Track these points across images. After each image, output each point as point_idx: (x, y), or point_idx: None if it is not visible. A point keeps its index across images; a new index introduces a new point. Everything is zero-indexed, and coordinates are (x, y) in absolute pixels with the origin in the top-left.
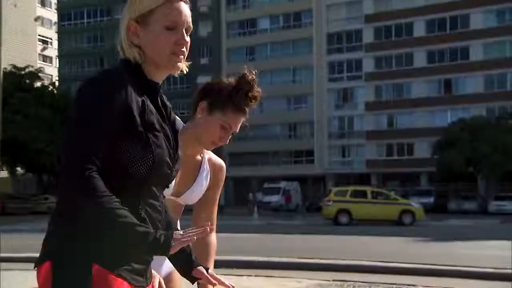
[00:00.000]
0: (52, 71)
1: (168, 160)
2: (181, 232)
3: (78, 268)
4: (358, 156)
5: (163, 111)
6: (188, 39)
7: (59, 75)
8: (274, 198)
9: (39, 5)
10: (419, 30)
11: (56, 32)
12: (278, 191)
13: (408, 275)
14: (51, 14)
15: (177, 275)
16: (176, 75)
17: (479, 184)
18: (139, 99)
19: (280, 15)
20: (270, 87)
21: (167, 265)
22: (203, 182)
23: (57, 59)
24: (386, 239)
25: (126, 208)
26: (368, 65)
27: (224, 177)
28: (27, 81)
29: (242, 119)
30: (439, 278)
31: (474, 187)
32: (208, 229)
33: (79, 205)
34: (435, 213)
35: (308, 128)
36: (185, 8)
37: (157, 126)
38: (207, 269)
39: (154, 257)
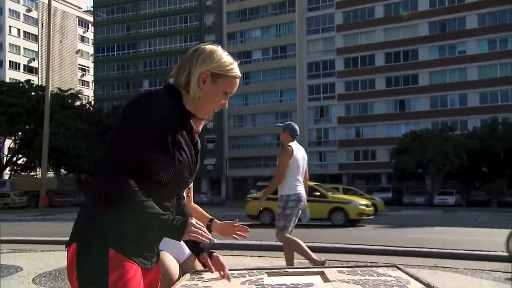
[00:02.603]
0: (89, 92)
1: (187, 174)
2: (194, 222)
3: (97, 251)
4: (332, 160)
5: (190, 134)
6: (227, 103)
7: (94, 96)
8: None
9: (79, 41)
10: (380, 60)
11: (92, 62)
12: None
13: (372, 255)
14: (89, 48)
15: (193, 259)
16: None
17: (426, 182)
18: (174, 122)
19: (270, 48)
20: (262, 105)
21: (187, 251)
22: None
23: (93, 83)
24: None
25: (151, 199)
26: (340, 88)
27: None
28: (69, 100)
29: None
30: (396, 257)
31: (423, 184)
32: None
33: (114, 199)
34: (392, 205)
35: None
36: (238, 83)
37: (184, 146)
38: (210, 254)
39: (177, 244)
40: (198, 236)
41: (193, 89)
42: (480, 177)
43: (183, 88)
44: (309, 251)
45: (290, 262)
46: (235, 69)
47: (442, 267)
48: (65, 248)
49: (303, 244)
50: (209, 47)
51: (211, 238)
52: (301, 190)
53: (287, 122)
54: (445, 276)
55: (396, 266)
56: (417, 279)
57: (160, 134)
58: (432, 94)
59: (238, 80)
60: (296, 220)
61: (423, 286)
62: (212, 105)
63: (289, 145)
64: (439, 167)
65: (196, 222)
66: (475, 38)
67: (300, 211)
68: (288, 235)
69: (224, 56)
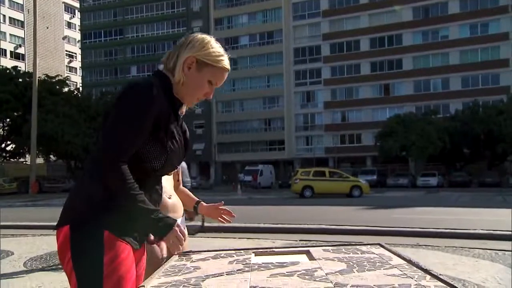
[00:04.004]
0: (76, 79)
1: (176, 161)
2: (178, 230)
3: (92, 233)
4: (318, 144)
5: (178, 121)
6: (212, 94)
7: (82, 82)
8: (248, 178)
9: (66, 27)
10: (365, 46)
11: (79, 48)
12: (256, 172)
13: (356, 235)
14: (76, 34)
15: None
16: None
17: (410, 164)
18: (167, 111)
19: (257, 34)
20: (249, 90)
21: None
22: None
23: (81, 70)
24: (340, 208)
25: (143, 192)
26: (326, 73)
27: None
28: (57, 87)
29: None
30: (381, 237)
31: (406, 167)
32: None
33: (111, 186)
34: (377, 187)
35: (280, 123)
36: (226, 76)
37: (176, 135)
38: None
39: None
40: (175, 245)
41: (177, 72)
42: (461, 159)
43: (171, 72)
44: None
45: None
46: (225, 61)
47: (424, 245)
48: (55, 229)
49: None
50: (202, 36)
51: (181, 252)
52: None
53: None
54: (427, 253)
55: (380, 244)
56: (399, 255)
57: (155, 123)
58: (415, 78)
59: (226, 73)
60: None
61: (405, 262)
62: (195, 93)
63: None
64: (422, 150)
65: (180, 231)
66: (457, 23)
67: None
68: None
69: (214, 46)
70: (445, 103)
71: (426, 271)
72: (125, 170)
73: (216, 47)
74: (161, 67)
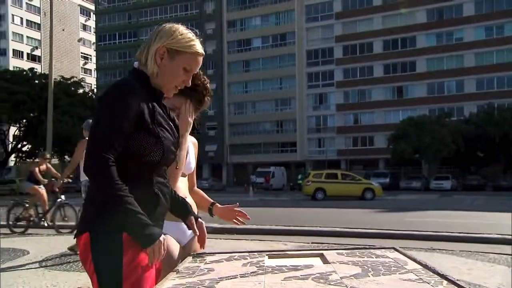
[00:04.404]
0: (91, 80)
1: (173, 148)
2: (163, 242)
3: (111, 237)
4: (330, 146)
5: (165, 111)
6: (190, 80)
7: (97, 84)
8: (260, 180)
9: (81, 29)
10: (378, 48)
11: (94, 50)
12: (268, 174)
13: (369, 238)
14: (91, 36)
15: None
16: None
17: (423, 167)
18: (149, 104)
19: (269, 36)
20: (262, 92)
21: (188, 233)
22: (193, 154)
23: (95, 71)
24: (353, 210)
25: (131, 196)
26: (338, 75)
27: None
28: (72, 88)
29: (185, 101)
30: (394, 240)
31: (419, 170)
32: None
33: (99, 187)
34: (389, 190)
35: (292, 125)
36: (201, 60)
37: (164, 124)
38: (197, 219)
39: (179, 227)
40: (153, 257)
41: (150, 65)
42: (476, 162)
43: (145, 66)
44: None
45: None
46: (196, 45)
47: (438, 249)
48: (74, 238)
49: None
50: (169, 25)
51: (153, 266)
52: None
53: (86, 121)
54: (441, 257)
55: (394, 248)
56: (414, 260)
57: (137, 116)
58: (429, 80)
59: (199, 58)
60: None
61: (421, 267)
62: (172, 82)
63: (86, 139)
64: (436, 153)
65: (163, 244)
66: (472, 25)
67: None
68: None
69: (183, 32)
70: (460, 105)
71: (443, 276)
72: (111, 168)
73: (185, 33)
74: (136, 64)
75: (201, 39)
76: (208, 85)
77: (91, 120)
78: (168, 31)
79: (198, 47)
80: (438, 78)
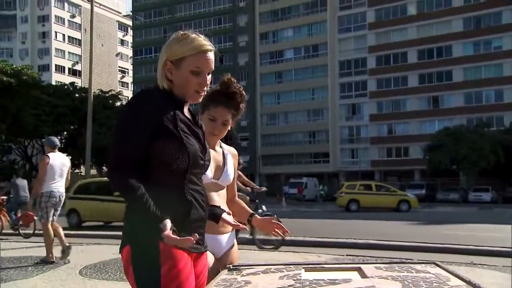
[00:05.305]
0: (128, 93)
1: (200, 154)
2: (170, 235)
3: (149, 248)
4: (364, 157)
5: (192, 118)
6: (209, 80)
7: None
8: (293, 190)
9: (119, 44)
10: (412, 57)
11: (131, 64)
12: (301, 184)
13: (406, 251)
14: (128, 51)
15: (235, 251)
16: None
17: (460, 179)
18: (170, 112)
19: (301, 47)
20: (294, 103)
21: (227, 244)
22: (231, 165)
23: (132, 85)
24: (388, 222)
25: (151, 200)
26: (372, 86)
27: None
28: (110, 101)
29: (227, 111)
30: (432, 254)
31: (457, 181)
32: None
33: (125, 197)
34: (426, 202)
35: (324, 135)
36: (211, 56)
37: (187, 130)
38: (221, 213)
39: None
40: (182, 243)
41: (161, 80)
42: None
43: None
44: (52, 245)
45: (48, 248)
46: (195, 45)
47: (480, 264)
48: (119, 253)
49: (53, 237)
50: (169, 39)
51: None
52: (55, 188)
53: (47, 138)
54: (482, 272)
55: (435, 263)
56: (457, 276)
57: (158, 124)
58: (466, 90)
59: (203, 55)
60: (53, 211)
61: (464, 283)
62: (187, 89)
63: (47, 155)
64: (474, 163)
65: (168, 241)
66: (511, 33)
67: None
68: (48, 224)
69: (180, 39)
70: (499, 115)
71: None
72: (131, 178)
73: (183, 39)
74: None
75: (205, 37)
76: (243, 92)
77: (51, 137)
78: (167, 45)
79: (198, 45)
80: (476, 87)
